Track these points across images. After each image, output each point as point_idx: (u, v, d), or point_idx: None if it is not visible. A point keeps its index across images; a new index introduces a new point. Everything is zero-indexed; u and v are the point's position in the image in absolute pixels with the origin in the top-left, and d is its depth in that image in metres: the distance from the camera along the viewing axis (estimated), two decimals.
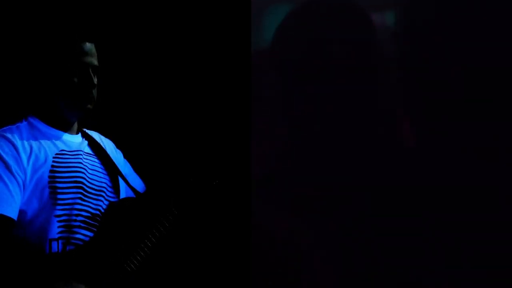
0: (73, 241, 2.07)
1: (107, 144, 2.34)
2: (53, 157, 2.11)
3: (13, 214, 2.03)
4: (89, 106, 2.16)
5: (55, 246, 2.04)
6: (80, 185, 2.12)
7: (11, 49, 2.58)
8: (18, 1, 2.66)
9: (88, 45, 2.17)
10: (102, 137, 2.35)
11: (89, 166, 2.18)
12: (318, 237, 2.35)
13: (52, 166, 2.10)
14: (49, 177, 2.08)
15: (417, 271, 2.24)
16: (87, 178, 2.15)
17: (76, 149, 2.18)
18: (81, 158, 2.17)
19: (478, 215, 2.19)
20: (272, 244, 2.36)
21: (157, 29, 2.74)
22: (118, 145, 2.40)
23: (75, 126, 2.24)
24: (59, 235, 2.06)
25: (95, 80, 2.16)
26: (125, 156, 2.40)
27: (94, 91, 2.16)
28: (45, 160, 2.09)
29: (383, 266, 2.26)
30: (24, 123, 2.17)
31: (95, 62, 2.17)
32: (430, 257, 2.25)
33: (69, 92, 2.14)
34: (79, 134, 2.25)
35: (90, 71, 2.15)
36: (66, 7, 2.66)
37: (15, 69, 2.39)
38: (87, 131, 2.29)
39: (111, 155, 2.28)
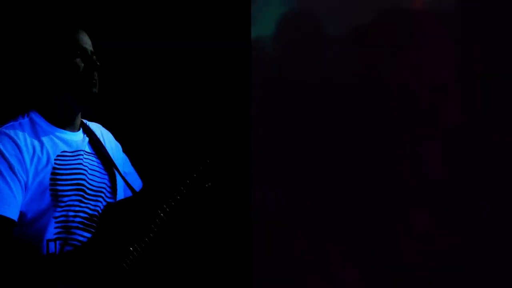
0: (70, 242, 2.07)
1: (107, 138, 2.34)
2: (55, 159, 2.10)
3: (14, 215, 2.02)
4: (94, 90, 2.16)
5: (52, 247, 2.04)
6: (81, 187, 2.12)
7: (10, 44, 2.57)
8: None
9: (84, 34, 2.19)
10: (103, 129, 2.35)
11: (89, 167, 2.18)
12: (317, 234, 2.36)
13: (54, 168, 2.09)
14: (51, 179, 2.08)
15: (418, 265, 2.25)
16: (87, 180, 2.14)
17: (77, 149, 2.18)
18: (81, 159, 2.16)
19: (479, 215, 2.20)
20: (273, 241, 2.37)
21: (157, 28, 2.74)
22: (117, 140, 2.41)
23: (77, 120, 2.23)
24: (57, 235, 2.06)
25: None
26: (124, 150, 2.40)
27: (97, 74, 2.16)
28: (47, 162, 2.09)
29: (385, 265, 2.27)
30: (26, 119, 2.15)
31: (92, 49, 2.19)
32: (428, 253, 2.26)
33: (74, 76, 2.13)
34: (81, 130, 2.24)
35: (90, 54, 2.16)
36: (61, 2, 2.66)
37: (17, 63, 2.38)
38: (88, 123, 2.29)
39: (110, 151, 2.27)
